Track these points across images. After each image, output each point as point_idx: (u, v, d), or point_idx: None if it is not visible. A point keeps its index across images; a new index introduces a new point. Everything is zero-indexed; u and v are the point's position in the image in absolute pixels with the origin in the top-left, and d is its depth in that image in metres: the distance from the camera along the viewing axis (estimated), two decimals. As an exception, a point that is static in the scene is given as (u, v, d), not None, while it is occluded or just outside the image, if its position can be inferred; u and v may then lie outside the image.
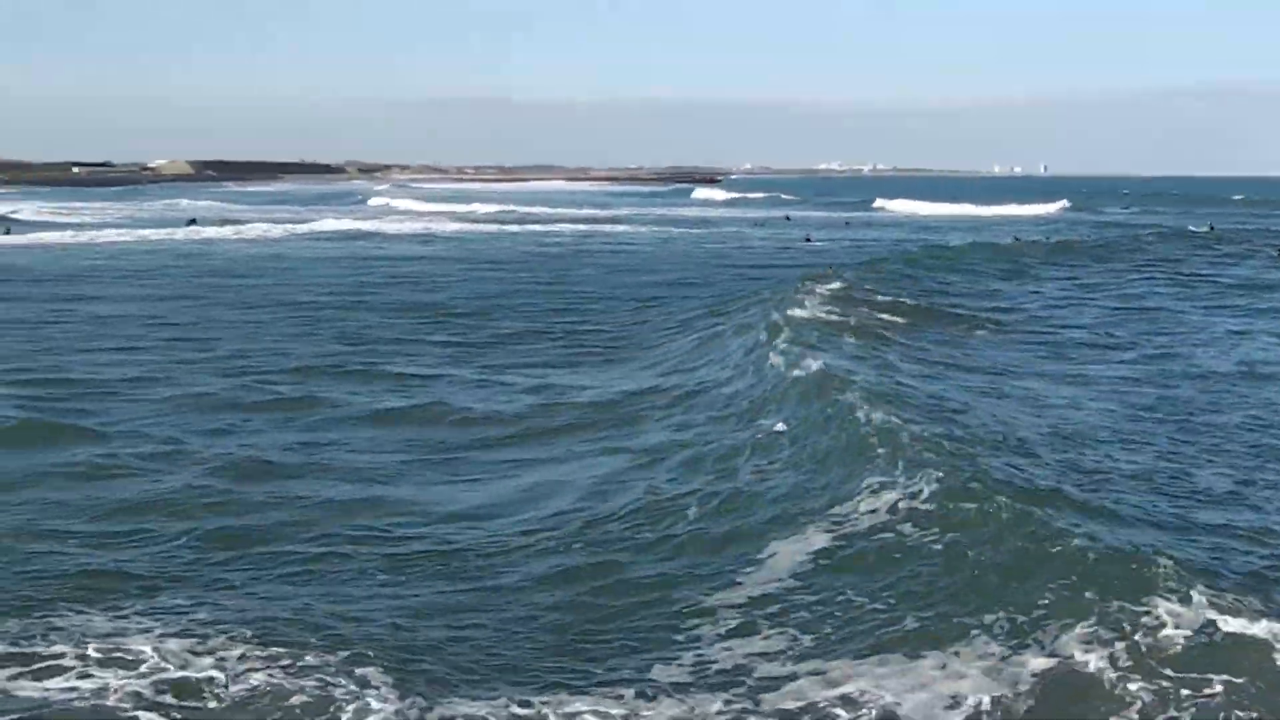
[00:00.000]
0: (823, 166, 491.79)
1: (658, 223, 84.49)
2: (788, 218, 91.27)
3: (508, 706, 9.06)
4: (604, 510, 13.98)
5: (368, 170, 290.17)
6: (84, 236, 63.16)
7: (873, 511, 12.99)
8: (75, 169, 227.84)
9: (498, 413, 19.39)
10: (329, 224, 75.32)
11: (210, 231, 66.70)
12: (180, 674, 9.37)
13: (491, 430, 18.37)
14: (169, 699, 9.06)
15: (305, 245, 58.88)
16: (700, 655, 10.08)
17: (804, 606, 11.01)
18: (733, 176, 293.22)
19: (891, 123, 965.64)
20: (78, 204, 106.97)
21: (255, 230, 67.77)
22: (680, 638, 10.48)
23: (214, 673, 9.39)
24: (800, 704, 9.14)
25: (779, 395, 18.79)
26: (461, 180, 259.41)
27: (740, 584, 11.64)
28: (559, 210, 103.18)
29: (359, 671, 9.37)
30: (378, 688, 9.15)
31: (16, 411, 18.45)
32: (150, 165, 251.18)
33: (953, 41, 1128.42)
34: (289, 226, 71.67)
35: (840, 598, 11.12)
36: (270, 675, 9.31)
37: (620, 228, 76.98)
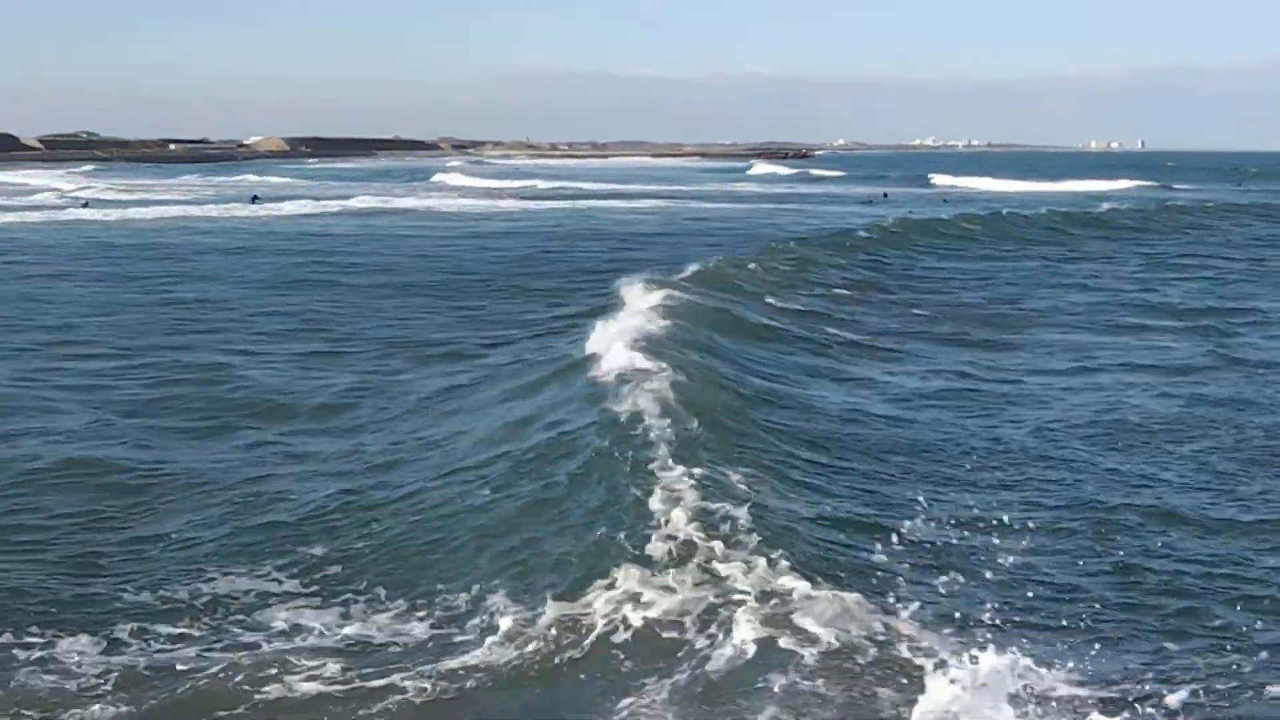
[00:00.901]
0: (916, 142, 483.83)
1: (676, 197, 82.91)
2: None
3: None
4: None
5: (461, 147, 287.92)
6: (131, 212, 61.28)
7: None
8: (172, 146, 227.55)
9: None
10: (359, 202, 72.79)
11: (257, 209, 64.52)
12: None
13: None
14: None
15: (309, 222, 56.58)
16: None
17: None
18: (819, 153, 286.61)
19: (988, 98, 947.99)
20: (149, 180, 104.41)
21: (291, 207, 65.21)
22: None
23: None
24: None
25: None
26: (547, 156, 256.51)
27: None
28: (610, 186, 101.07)
29: None
30: None
31: None
32: (246, 142, 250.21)
33: (1052, 15, 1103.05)
34: (325, 203, 68.56)
35: None
36: None
37: (641, 203, 74.61)
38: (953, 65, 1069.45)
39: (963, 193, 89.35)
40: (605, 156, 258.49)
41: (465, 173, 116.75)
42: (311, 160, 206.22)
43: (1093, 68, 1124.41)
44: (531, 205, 72.07)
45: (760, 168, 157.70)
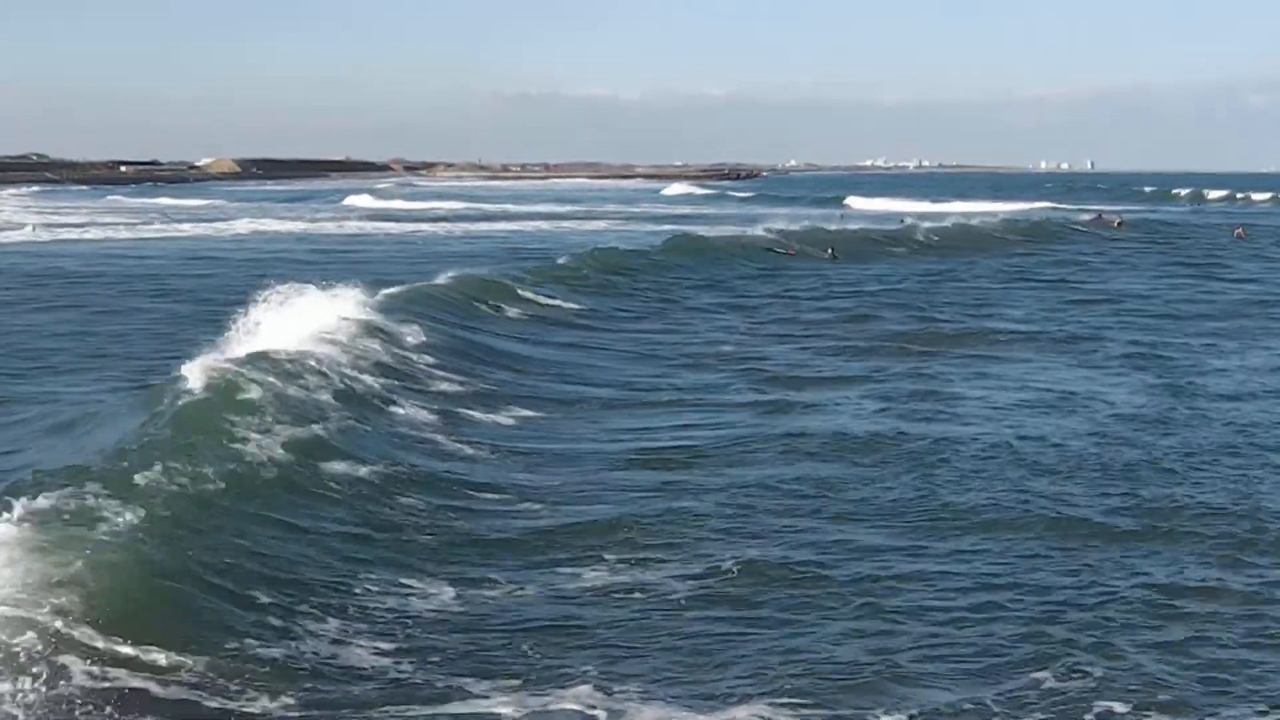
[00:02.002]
0: (868, 163, 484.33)
1: (569, 217, 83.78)
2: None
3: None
4: None
5: (413, 168, 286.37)
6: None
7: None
8: (124, 168, 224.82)
9: None
10: (240, 225, 72.08)
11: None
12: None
13: None
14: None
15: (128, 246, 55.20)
16: None
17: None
18: (762, 175, 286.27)
19: (942, 119, 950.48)
20: (65, 203, 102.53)
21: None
22: None
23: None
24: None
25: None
26: (499, 177, 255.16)
27: None
28: (527, 208, 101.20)
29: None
30: None
31: None
32: (197, 164, 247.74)
33: (1006, 37, 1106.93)
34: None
35: None
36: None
37: (514, 225, 74.54)
38: (906, 87, 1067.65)
39: (867, 214, 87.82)
40: (551, 178, 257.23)
41: (377, 195, 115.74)
42: (253, 183, 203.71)
43: (1046, 89, 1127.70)
44: (393, 227, 70.94)
45: (676, 189, 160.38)
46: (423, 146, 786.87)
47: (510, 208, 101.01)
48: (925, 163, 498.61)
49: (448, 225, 73.20)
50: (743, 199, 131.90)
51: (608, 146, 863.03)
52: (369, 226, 72.06)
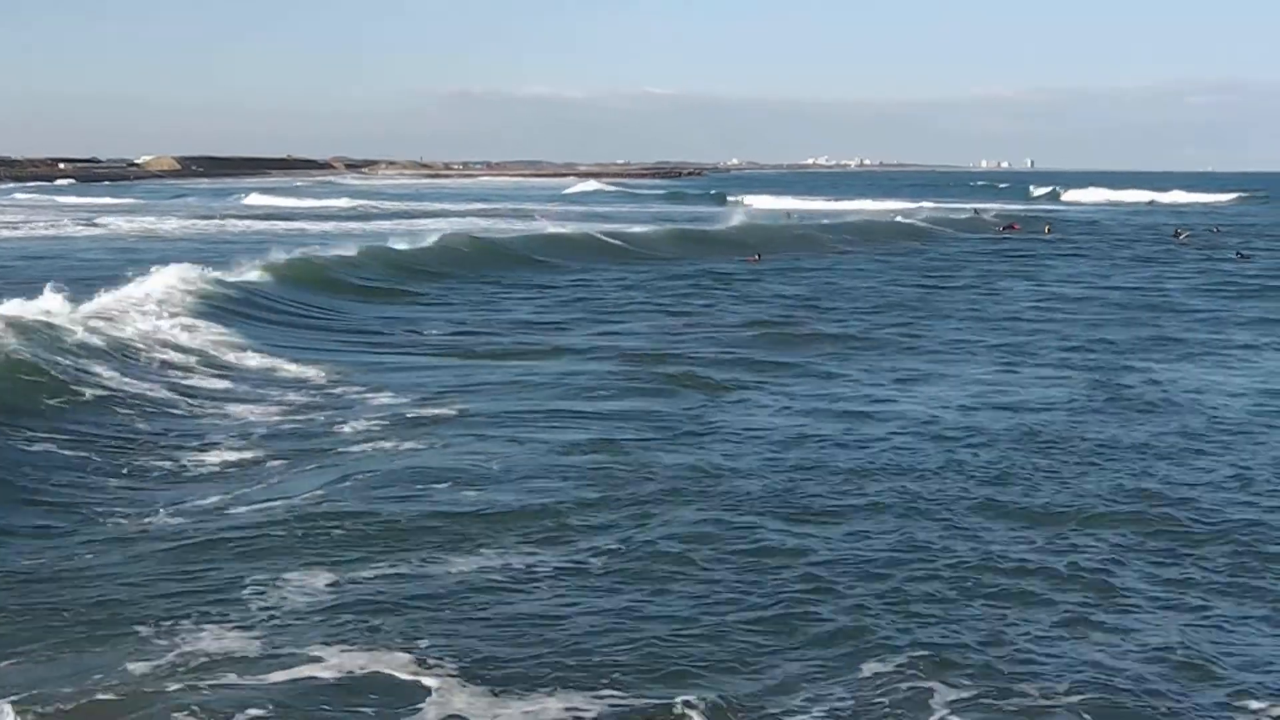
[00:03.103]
0: (810, 161, 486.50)
1: (461, 215, 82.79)
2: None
3: None
4: None
5: (354, 166, 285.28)
6: None
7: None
8: (62, 165, 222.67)
9: None
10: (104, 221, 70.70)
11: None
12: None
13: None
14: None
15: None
16: None
17: None
18: (687, 173, 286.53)
19: (885, 118, 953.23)
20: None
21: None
22: None
23: None
24: None
25: None
26: (441, 175, 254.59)
27: None
28: (416, 205, 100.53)
29: None
30: None
31: None
32: (137, 161, 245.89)
33: (951, 37, 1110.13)
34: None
35: None
36: None
37: (380, 224, 71.36)
38: (851, 87, 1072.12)
39: (759, 211, 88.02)
40: (489, 176, 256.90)
41: (271, 193, 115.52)
42: (190, 180, 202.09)
43: (989, 90, 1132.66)
44: (262, 225, 70.05)
45: (580, 186, 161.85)
46: (368, 145, 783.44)
47: (406, 205, 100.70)
48: (867, 161, 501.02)
49: (301, 224, 72.12)
50: (648, 196, 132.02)
51: (552, 145, 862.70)
52: (240, 225, 71.14)
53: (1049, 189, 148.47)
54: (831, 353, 24.49)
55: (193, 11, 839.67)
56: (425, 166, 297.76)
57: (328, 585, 11.13)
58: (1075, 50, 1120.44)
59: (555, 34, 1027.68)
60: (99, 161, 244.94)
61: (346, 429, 17.13)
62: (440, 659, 9.61)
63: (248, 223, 72.92)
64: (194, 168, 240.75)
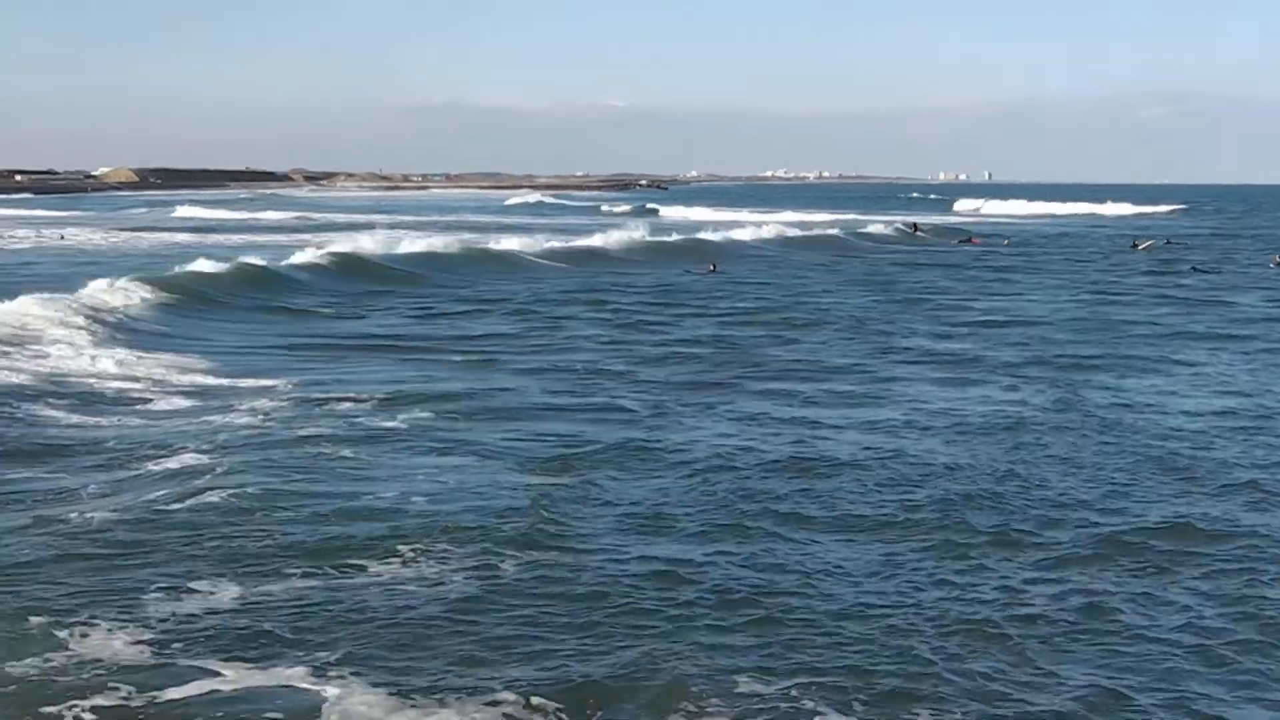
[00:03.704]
0: (769, 174, 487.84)
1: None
2: None
3: None
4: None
5: (313, 178, 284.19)
6: None
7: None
8: (18, 177, 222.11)
9: None
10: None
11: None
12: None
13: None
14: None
15: None
16: None
17: None
18: (644, 185, 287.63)
19: (845, 130, 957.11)
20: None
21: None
22: None
23: None
24: None
25: None
26: (400, 187, 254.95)
27: None
28: (353, 218, 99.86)
29: None
30: None
31: None
32: (94, 173, 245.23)
33: (910, 48, 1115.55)
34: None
35: None
36: None
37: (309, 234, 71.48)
38: (810, 98, 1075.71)
39: (674, 224, 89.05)
40: (447, 188, 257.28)
41: (205, 205, 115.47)
42: (145, 191, 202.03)
43: (949, 100, 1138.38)
44: (181, 238, 70.11)
45: (517, 199, 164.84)
46: (330, 156, 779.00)
47: (348, 217, 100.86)
48: (825, 173, 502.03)
49: (218, 237, 71.19)
50: (582, 209, 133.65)
51: (513, 157, 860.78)
52: (165, 237, 71.17)
53: (979, 202, 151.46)
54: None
55: (158, 20, 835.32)
56: (384, 178, 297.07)
57: (233, 597, 11.21)
58: (1033, 61, 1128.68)
59: (517, 46, 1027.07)
60: (56, 173, 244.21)
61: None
62: (341, 669, 9.69)
63: (166, 235, 72.68)
64: (152, 179, 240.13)
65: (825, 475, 15.87)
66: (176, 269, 37.33)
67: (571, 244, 56.68)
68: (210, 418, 18.76)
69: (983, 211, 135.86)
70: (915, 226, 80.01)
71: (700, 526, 13.63)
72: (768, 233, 68.85)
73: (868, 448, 17.38)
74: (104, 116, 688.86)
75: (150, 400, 20.32)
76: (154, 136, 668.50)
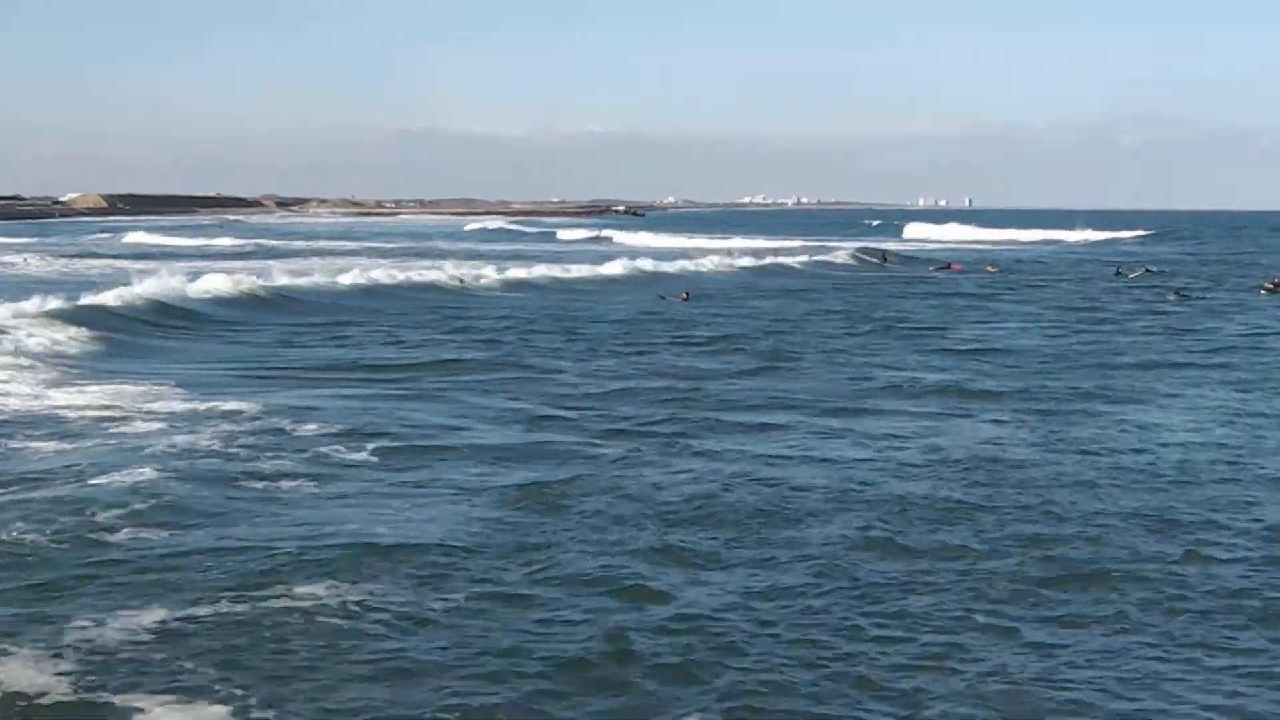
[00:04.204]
0: (746, 200, 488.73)
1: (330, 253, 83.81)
2: None
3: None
4: None
5: (285, 204, 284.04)
6: None
7: None
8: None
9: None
10: None
11: None
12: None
13: None
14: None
15: None
16: None
17: None
18: (622, 210, 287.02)
19: (824, 156, 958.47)
20: None
21: None
22: None
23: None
24: None
25: None
26: (373, 213, 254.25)
27: None
28: (308, 244, 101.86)
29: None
30: None
31: None
32: (62, 199, 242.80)
33: (889, 74, 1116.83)
34: None
35: None
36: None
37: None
38: (788, 124, 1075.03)
39: (617, 249, 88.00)
40: (408, 214, 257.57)
41: (158, 231, 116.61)
42: (113, 217, 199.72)
43: (929, 126, 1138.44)
44: (123, 264, 68.97)
45: (475, 224, 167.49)
46: (305, 181, 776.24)
47: (301, 244, 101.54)
48: (804, 200, 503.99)
49: (156, 263, 69.56)
50: (531, 235, 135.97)
51: (489, 183, 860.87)
52: (95, 263, 70.63)
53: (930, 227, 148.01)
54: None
55: (132, 42, 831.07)
56: (357, 204, 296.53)
57: (154, 624, 11.07)
58: (1013, 85, 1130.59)
59: (496, 72, 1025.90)
60: (22, 199, 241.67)
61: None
62: (260, 707, 9.53)
63: (106, 262, 71.92)
64: (120, 205, 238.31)
65: (794, 519, 15.14)
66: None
67: (507, 275, 55.70)
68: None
69: (933, 237, 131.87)
70: (885, 256, 77.72)
71: (657, 571, 13.05)
72: (727, 261, 67.91)
73: (840, 484, 16.82)
74: (76, 140, 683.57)
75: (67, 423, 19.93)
76: (126, 161, 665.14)
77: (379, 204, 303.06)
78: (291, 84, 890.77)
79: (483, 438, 19.83)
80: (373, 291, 47.76)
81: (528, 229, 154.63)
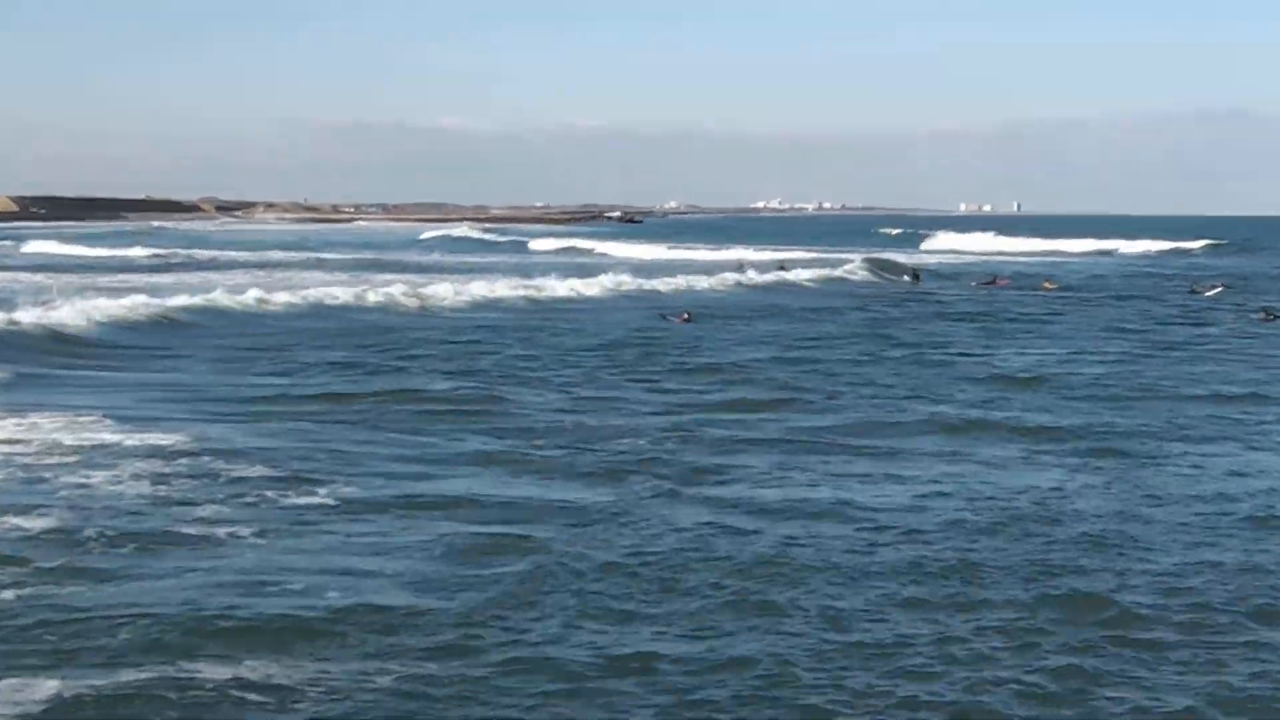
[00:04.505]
0: (760, 204, 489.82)
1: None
2: None
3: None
4: None
5: (227, 208, 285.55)
6: None
7: None
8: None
9: None
10: None
11: None
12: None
13: None
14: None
15: None
16: None
17: None
18: (616, 217, 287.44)
19: (849, 154, 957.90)
20: None
21: None
22: None
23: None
24: None
25: None
26: (329, 219, 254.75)
27: None
28: (244, 254, 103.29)
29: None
30: None
31: None
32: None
33: (924, 63, 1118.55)
34: None
35: None
36: None
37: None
38: (807, 117, 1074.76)
39: (599, 263, 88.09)
40: (364, 221, 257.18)
41: (63, 240, 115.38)
42: (24, 223, 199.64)
43: (972, 119, 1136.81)
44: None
45: (431, 233, 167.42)
46: (251, 182, 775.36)
47: (221, 255, 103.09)
48: (827, 204, 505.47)
49: (41, 276, 69.71)
50: (505, 247, 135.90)
51: (464, 185, 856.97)
52: None
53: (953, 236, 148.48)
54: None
55: (51, 28, 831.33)
56: (310, 209, 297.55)
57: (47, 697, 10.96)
58: (1063, 78, 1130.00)
59: (465, 57, 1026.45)
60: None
61: None
62: None
63: None
64: (34, 210, 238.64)
65: (811, 577, 14.96)
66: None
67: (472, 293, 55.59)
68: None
69: (954, 248, 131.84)
70: (916, 274, 77.20)
71: (652, 640, 12.87)
72: (734, 277, 67.67)
73: (870, 538, 16.67)
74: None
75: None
76: (48, 159, 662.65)
77: (336, 208, 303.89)
78: (235, 71, 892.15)
79: (448, 483, 19.61)
80: (317, 312, 47.70)
81: (502, 238, 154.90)
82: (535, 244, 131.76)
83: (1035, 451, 22.63)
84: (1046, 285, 69.52)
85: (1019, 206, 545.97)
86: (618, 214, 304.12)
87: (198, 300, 47.13)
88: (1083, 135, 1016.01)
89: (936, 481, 20.07)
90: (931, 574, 15.10)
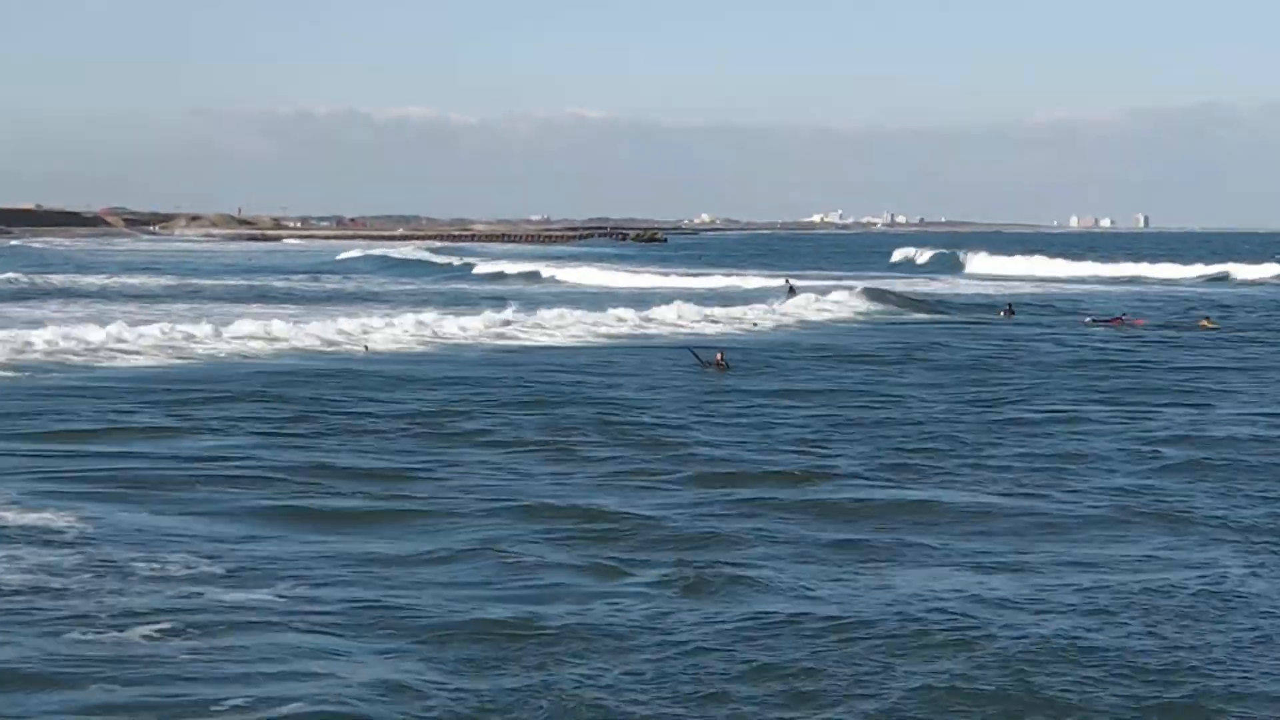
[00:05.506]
0: (817, 219, 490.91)
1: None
2: None
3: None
4: None
5: (138, 221, 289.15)
6: None
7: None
8: None
9: None
10: None
11: None
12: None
13: None
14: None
15: None
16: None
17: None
18: (624, 235, 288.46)
19: (928, 155, 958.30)
20: None
21: None
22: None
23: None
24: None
25: None
26: (262, 237, 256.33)
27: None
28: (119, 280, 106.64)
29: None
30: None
31: None
32: None
33: (1026, 36, 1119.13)
34: None
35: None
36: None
37: None
38: (874, 107, 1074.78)
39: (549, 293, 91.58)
40: (296, 240, 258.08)
41: None
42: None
43: (1080, 111, 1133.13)
44: None
45: (349, 254, 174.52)
46: (168, 190, 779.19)
47: (75, 280, 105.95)
48: (901, 219, 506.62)
49: None
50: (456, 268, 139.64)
51: (441, 193, 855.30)
52: None
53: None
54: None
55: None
56: (245, 223, 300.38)
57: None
58: (1203, 55, 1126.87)
59: (435, 31, 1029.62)
60: None
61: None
62: None
63: None
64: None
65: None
66: None
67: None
68: None
69: (995, 272, 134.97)
70: (1011, 308, 77.59)
71: None
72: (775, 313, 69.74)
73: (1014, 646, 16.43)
74: None
75: None
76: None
77: (277, 222, 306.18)
78: (153, 54, 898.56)
79: (425, 569, 20.11)
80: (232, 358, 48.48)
81: (456, 259, 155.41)
82: (482, 267, 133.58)
83: (1193, 537, 22.41)
84: (1204, 324, 69.06)
85: (1146, 221, 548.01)
86: (634, 232, 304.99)
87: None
88: (1218, 126, 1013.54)
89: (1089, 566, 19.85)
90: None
